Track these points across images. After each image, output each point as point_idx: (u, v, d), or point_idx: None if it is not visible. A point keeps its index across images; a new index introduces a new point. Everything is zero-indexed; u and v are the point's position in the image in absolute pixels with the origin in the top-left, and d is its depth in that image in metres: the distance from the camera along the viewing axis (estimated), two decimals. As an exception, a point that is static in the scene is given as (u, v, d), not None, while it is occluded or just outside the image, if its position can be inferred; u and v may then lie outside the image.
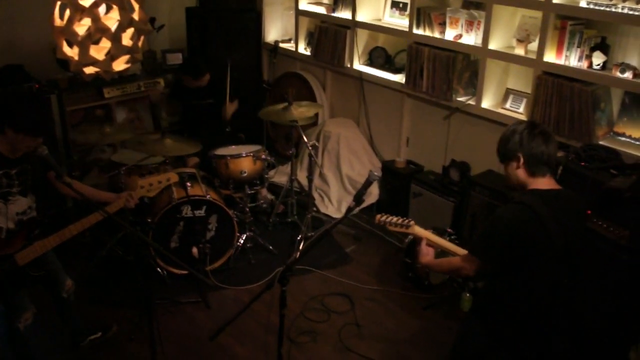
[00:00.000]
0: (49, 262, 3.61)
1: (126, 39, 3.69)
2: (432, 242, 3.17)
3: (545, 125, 2.85)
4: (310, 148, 5.21)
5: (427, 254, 3.12)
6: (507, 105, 4.95)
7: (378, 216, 3.17)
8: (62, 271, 3.80)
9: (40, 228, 3.46)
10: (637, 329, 3.40)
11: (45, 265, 3.54)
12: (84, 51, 3.57)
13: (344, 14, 6.16)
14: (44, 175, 3.56)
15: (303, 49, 6.85)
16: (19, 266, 3.27)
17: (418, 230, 3.17)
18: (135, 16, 3.71)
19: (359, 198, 2.82)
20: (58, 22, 3.58)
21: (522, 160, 2.75)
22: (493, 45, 4.86)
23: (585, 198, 2.91)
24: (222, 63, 5.61)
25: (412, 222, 3.14)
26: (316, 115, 6.53)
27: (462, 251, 3.15)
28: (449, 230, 4.74)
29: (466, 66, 5.21)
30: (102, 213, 3.21)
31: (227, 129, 5.65)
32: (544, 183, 2.76)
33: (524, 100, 4.83)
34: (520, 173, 2.78)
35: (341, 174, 6.06)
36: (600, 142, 4.22)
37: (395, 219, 3.14)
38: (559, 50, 4.42)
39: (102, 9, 3.59)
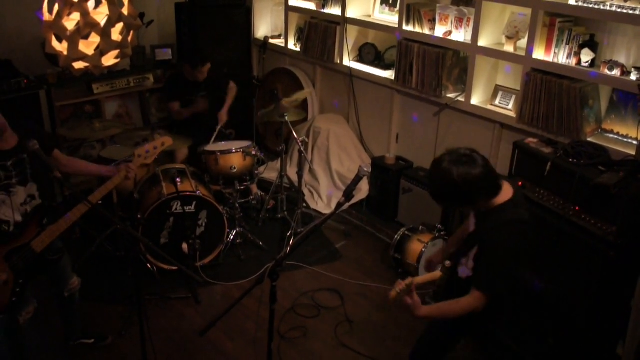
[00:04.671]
0: (62, 249, 3.64)
1: (115, 34, 3.67)
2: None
3: (456, 152, 2.72)
4: (300, 144, 5.21)
5: (418, 306, 2.70)
6: (497, 102, 4.97)
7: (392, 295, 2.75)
8: (70, 267, 3.81)
9: (51, 213, 3.46)
10: (625, 324, 3.43)
11: (63, 249, 3.61)
12: (73, 46, 3.55)
13: (334, 10, 6.16)
14: (49, 156, 3.54)
15: (293, 45, 6.85)
16: (37, 253, 3.31)
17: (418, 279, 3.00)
18: (125, 11, 3.69)
19: (348, 194, 2.83)
20: (47, 16, 3.56)
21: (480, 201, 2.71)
22: (482, 42, 4.88)
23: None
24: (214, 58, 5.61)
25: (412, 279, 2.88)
26: (306, 111, 6.53)
27: (437, 274, 3.09)
28: (439, 226, 4.77)
29: (456, 63, 5.23)
30: (86, 204, 3.23)
31: (217, 126, 5.66)
32: (506, 192, 2.74)
33: (513, 97, 4.85)
34: (482, 202, 2.73)
35: (331, 170, 6.07)
36: (589, 139, 4.24)
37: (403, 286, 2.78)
38: (548, 47, 4.44)
39: (91, 3, 3.57)
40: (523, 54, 4.58)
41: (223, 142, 5.30)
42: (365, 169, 2.85)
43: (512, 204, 2.71)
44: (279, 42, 7.05)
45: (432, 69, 5.22)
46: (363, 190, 5.89)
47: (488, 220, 2.73)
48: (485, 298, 2.68)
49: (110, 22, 3.60)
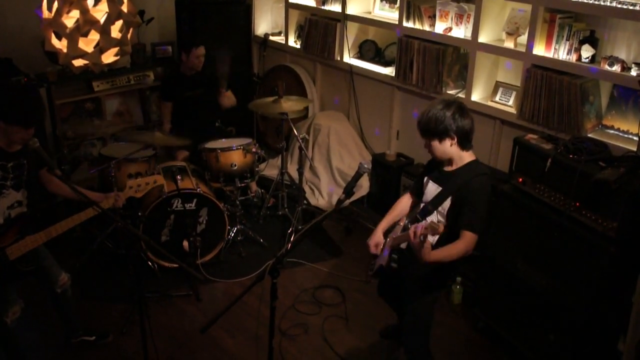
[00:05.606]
0: (40, 257, 3.59)
1: (115, 31, 3.67)
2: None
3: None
4: (300, 141, 5.21)
5: (428, 250, 2.96)
6: (497, 98, 4.96)
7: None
8: (56, 266, 3.76)
9: (32, 223, 3.44)
10: (626, 320, 3.42)
11: (36, 260, 3.52)
12: (72, 43, 3.55)
13: (334, 6, 6.15)
14: (37, 172, 3.54)
15: (293, 42, 6.84)
16: (10, 260, 3.26)
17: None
18: (124, 8, 3.69)
19: (349, 190, 2.83)
20: (46, 14, 3.56)
21: (456, 138, 3.11)
22: (483, 39, 4.87)
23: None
24: (214, 55, 5.58)
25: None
26: (306, 108, 6.53)
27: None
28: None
29: (456, 59, 5.22)
30: (96, 208, 3.21)
31: (216, 123, 5.64)
32: (472, 154, 3.22)
33: (514, 93, 4.85)
34: (454, 149, 3.15)
35: (331, 167, 6.06)
36: (589, 135, 4.24)
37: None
38: (548, 43, 4.44)
39: (90, 1, 3.57)
40: (523, 50, 4.57)
41: (223, 140, 5.30)
42: (366, 166, 2.85)
43: (477, 163, 3.21)
44: (279, 39, 7.05)
45: (432, 66, 5.22)
46: (364, 186, 5.89)
47: (460, 175, 3.16)
48: (475, 238, 3.04)
49: (110, 20, 3.60)
